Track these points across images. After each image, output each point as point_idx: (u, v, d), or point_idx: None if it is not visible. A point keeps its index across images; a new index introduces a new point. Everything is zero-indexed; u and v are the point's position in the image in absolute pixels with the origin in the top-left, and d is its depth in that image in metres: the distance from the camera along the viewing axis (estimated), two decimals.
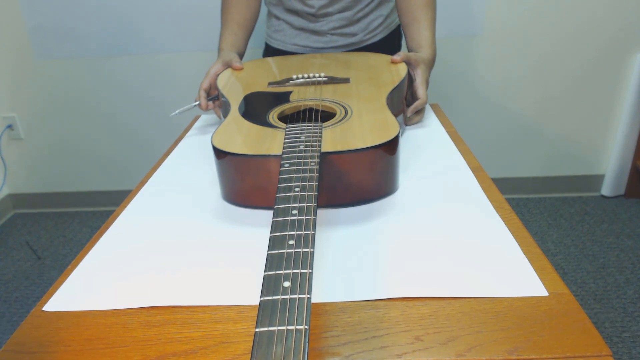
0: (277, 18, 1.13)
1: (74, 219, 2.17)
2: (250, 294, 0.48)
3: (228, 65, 0.95)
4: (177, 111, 0.93)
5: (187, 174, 0.75)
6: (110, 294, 0.50)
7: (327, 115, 0.72)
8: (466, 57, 1.89)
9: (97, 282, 0.52)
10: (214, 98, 0.93)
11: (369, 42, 1.11)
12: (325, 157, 0.57)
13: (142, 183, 0.74)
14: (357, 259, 0.52)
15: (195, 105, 0.93)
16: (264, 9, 1.15)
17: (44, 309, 0.49)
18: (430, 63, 0.96)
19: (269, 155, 0.58)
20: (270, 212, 0.59)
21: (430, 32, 0.97)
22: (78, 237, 2.04)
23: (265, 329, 0.32)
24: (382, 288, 0.47)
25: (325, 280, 0.49)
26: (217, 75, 0.93)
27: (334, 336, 0.42)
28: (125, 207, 0.67)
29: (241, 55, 1.06)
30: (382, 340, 0.42)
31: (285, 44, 1.14)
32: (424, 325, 0.43)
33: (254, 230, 0.59)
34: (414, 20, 0.98)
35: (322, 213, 0.61)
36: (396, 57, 0.89)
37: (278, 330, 0.32)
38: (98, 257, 0.56)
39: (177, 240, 0.58)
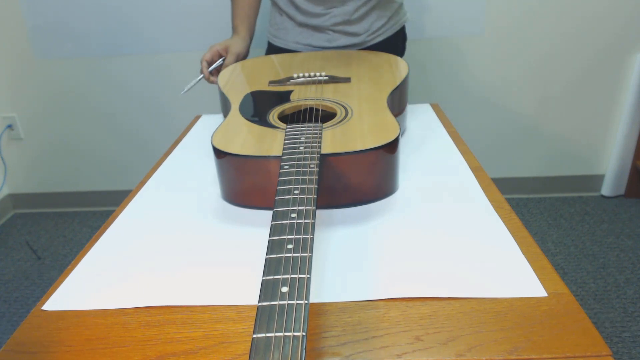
0: (280, 14, 1.13)
1: (74, 219, 2.17)
2: (250, 294, 0.48)
3: (226, 49, 1.01)
4: (185, 89, 0.98)
5: (187, 174, 0.75)
6: (110, 293, 0.50)
7: (327, 115, 0.72)
8: (466, 57, 1.89)
9: (97, 282, 0.52)
10: (216, 67, 0.99)
11: (372, 42, 1.11)
12: (325, 159, 0.57)
13: (142, 183, 0.74)
14: (357, 259, 0.52)
15: (200, 79, 0.98)
16: (265, 6, 1.15)
17: (43, 307, 0.49)
18: None
19: (268, 157, 0.58)
20: (270, 212, 0.59)
21: None
22: (78, 237, 2.04)
23: (263, 335, 0.32)
24: (382, 288, 0.47)
25: (325, 280, 0.49)
26: (218, 52, 1.00)
27: (334, 336, 0.42)
28: (125, 207, 0.67)
29: (253, 32, 1.10)
30: (382, 340, 0.42)
31: (287, 42, 1.13)
32: (424, 325, 0.43)
33: (253, 230, 0.59)
34: None
35: (322, 213, 0.61)
36: None
37: (275, 336, 0.32)
38: (98, 257, 0.56)
39: (177, 240, 0.58)
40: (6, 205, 2.22)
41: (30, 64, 1.97)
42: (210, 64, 0.99)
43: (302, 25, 1.10)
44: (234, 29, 1.09)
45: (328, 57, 0.99)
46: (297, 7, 1.08)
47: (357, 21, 1.08)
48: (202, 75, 0.98)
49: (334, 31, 1.08)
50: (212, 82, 0.99)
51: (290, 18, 1.11)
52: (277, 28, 1.15)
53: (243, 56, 1.04)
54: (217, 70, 1.00)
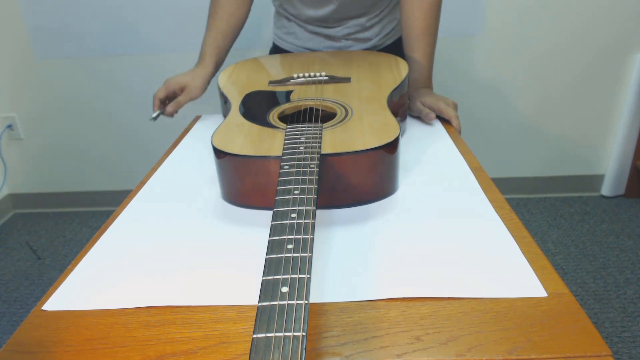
0: (289, 19, 1.10)
1: (74, 219, 2.17)
2: (250, 294, 0.48)
3: (182, 88, 0.97)
4: (151, 117, 0.96)
5: (187, 174, 0.75)
6: (110, 293, 0.50)
7: (327, 115, 0.72)
8: (466, 57, 1.89)
9: (97, 282, 0.52)
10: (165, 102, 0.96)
11: (383, 45, 1.10)
12: (325, 159, 0.57)
13: (142, 183, 0.74)
14: (357, 259, 0.52)
15: (160, 114, 0.96)
16: (269, 5, 1.13)
17: (43, 307, 0.49)
18: (430, 87, 0.98)
19: (268, 157, 0.58)
20: (270, 212, 0.59)
21: (426, 60, 0.95)
22: (78, 237, 2.04)
23: (263, 335, 0.32)
24: (382, 288, 0.47)
25: (325, 280, 0.49)
26: (173, 92, 0.96)
27: (334, 336, 0.42)
28: (125, 207, 0.67)
29: (220, 64, 1.04)
30: (382, 340, 0.42)
31: (297, 47, 1.11)
32: (424, 325, 0.43)
33: (253, 230, 0.59)
34: (409, 50, 0.96)
35: (322, 213, 0.61)
36: (430, 117, 0.88)
37: (275, 336, 0.32)
38: (98, 257, 0.56)
39: (177, 240, 0.58)
40: (6, 205, 2.22)
41: (30, 64, 1.97)
42: (162, 102, 0.96)
43: (312, 32, 1.08)
44: (201, 57, 1.01)
45: (328, 57, 0.99)
46: (308, 21, 1.07)
47: (369, 28, 1.07)
48: (160, 111, 0.96)
49: (347, 39, 1.07)
50: (170, 115, 0.96)
51: (300, 25, 1.09)
52: (286, 32, 1.12)
53: (198, 95, 0.98)
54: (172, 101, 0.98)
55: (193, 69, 1.00)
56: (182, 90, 0.97)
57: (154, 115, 0.96)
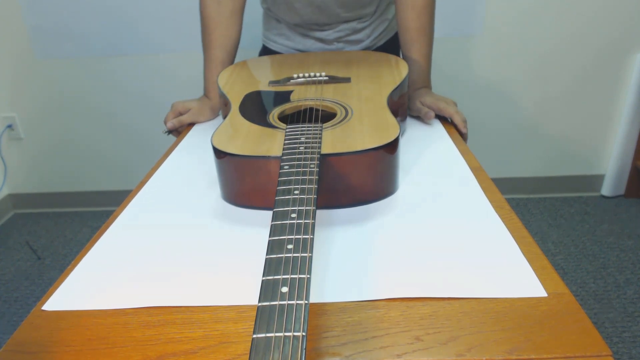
0: (279, 21, 1.09)
1: (74, 219, 2.17)
2: (250, 294, 0.48)
3: (190, 117, 0.97)
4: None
5: (187, 174, 0.75)
6: (110, 293, 0.50)
7: (327, 115, 0.72)
8: (466, 57, 1.89)
9: (97, 282, 0.52)
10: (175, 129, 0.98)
11: (375, 46, 1.10)
12: (325, 159, 0.57)
13: (142, 183, 0.74)
14: (357, 259, 0.52)
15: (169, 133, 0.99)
16: (256, 5, 1.12)
17: (43, 307, 0.49)
18: (429, 87, 0.97)
19: (268, 157, 0.58)
20: (270, 212, 0.59)
21: (424, 60, 0.95)
22: (78, 237, 2.04)
23: (263, 335, 0.32)
24: (382, 288, 0.47)
25: (325, 280, 0.49)
26: (180, 122, 0.96)
27: (334, 336, 0.42)
28: (125, 207, 0.67)
29: None
30: (382, 340, 0.42)
31: (289, 49, 1.10)
32: (424, 325, 0.43)
33: (253, 230, 0.59)
34: (407, 50, 0.96)
35: (322, 213, 0.61)
36: (429, 116, 0.88)
37: (275, 336, 0.32)
38: (98, 257, 0.56)
39: (176, 240, 0.58)
40: (6, 205, 2.22)
41: (30, 64, 1.97)
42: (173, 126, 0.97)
43: (304, 35, 1.08)
44: (206, 90, 1.00)
45: (328, 57, 0.99)
46: (299, 25, 1.06)
47: (360, 30, 1.07)
48: (167, 131, 0.97)
49: (339, 42, 1.07)
50: (170, 129, 0.97)
51: (290, 28, 1.08)
52: (277, 33, 1.10)
53: (201, 120, 0.98)
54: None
55: (200, 98, 1.00)
56: (187, 111, 0.97)
57: (166, 131, 0.98)
